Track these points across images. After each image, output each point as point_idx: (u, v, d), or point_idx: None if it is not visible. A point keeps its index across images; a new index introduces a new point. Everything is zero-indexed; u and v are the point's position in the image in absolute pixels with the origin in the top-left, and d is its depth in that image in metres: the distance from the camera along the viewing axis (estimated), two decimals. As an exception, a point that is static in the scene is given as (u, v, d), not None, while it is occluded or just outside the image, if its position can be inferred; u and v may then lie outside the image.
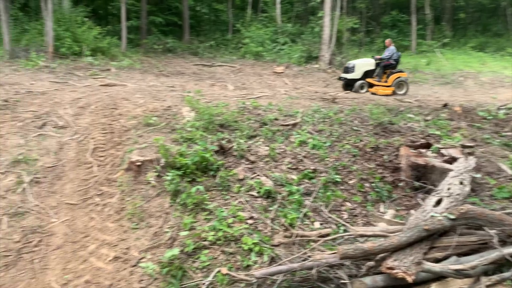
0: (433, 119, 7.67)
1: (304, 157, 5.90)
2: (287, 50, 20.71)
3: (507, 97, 11.33)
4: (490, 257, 3.30)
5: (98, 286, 3.57)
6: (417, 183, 5.26)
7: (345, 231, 4.26)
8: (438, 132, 6.78)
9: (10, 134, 5.87)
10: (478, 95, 12.98)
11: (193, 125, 6.05)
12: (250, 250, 4.10)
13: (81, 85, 9.44)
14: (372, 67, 12.33)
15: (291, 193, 5.01)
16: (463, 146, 6.07)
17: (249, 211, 4.68)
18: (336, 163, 5.74)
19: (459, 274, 3.15)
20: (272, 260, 3.97)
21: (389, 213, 4.70)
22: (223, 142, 5.72)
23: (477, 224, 3.57)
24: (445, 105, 9.02)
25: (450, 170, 4.88)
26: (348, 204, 5.07)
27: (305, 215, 4.71)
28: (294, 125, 6.87)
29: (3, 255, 3.91)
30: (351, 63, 12.57)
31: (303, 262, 3.58)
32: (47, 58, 13.03)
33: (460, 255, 3.44)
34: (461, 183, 4.39)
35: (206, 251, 4.02)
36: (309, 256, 3.71)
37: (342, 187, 5.33)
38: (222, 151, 5.57)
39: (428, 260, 3.29)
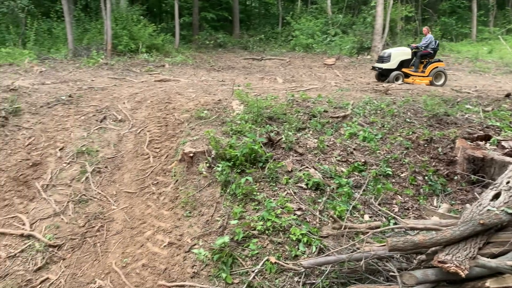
0: (493, 110, 7.24)
1: (354, 149, 5.83)
2: (338, 42, 20.33)
3: None
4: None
5: (154, 269, 3.79)
6: (474, 177, 5.03)
7: (395, 224, 4.20)
8: (498, 124, 6.41)
9: (74, 127, 6.32)
10: (547, 84, 12.04)
11: (242, 118, 6.17)
12: (299, 240, 4.14)
13: (137, 81, 9.91)
14: (409, 57, 11.75)
15: (340, 185, 4.99)
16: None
17: (298, 202, 4.72)
18: (388, 156, 5.62)
19: (518, 270, 3.01)
20: (320, 251, 4.00)
21: (443, 207, 4.54)
22: (272, 134, 5.79)
23: (540, 219, 3.36)
24: (508, 95, 8.48)
25: (511, 163, 4.61)
26: (399, 197, 4.96)
27: (354, 207, 4.68)
28: (344, 117, 6.78)
29: (69, 238, 4.26)
30: (386, 52, 12.04)
31: (352, 253, 3.57)
32: (106, 56, 13.77)
33: (519, 251, 3.28)
34: (522, 176, 4.14)
35: (255, 240, 4.12)
36: (357, 248, 3.70)
37: (393, 180, 5.22)
38: (271, 143, 5.64)
39: (483, 255, 3.16)
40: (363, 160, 5.49)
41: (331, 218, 4.30)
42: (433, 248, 3.28)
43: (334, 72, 14.73)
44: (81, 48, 14.69)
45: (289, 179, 5.06)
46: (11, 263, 3.91)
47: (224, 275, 3.73)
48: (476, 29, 23.60)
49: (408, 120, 6.66)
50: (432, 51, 11.77)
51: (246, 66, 16.14)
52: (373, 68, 12.43)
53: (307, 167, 5.35)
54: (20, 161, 5.40)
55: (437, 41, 12.10)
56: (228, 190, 4.72)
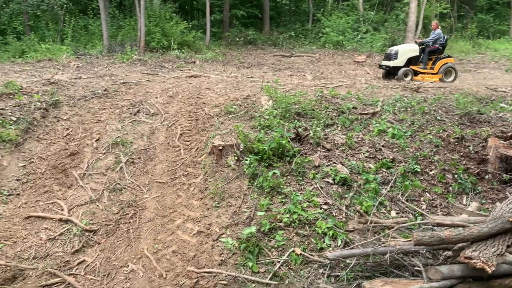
0: (530, 109, 7.03)
1: (383, 146, 5.81)
2: (369, 39, 20.06)
3: None
4: None
5: (183, 256, 3.94)
6: (506, 176, 4.93)
7: (422, 220, 4.18)
8: (534, 123, 6.23)
9: (110, 119, 6.58)
10: None
11: (271, 113, 6.25)
12: (324, 233, 4.20)
13: (169, 77, 10.16)
14: (417, 53, 11.33)
15: (367, 181, 5.01)
16: None
17: (324, 197, 4.77)
18: (417, 153, 5.57)
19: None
20: (346, 245, 4.04)
21: (473, 206, 4.48)
22: (300, 129, 5.85)
23: None
24: (546, 94, 8.19)
25: (546, 163, 4.50)
26: (427, 194, 4.93)
27: (381, 203, 4.69)
28: (374, 114, 6.75)
29: (104, 224, 4.48)
30: (393, 49, 11.62)
31: (377, 247, 3.60)
32: (140, 52, 14.15)
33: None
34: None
35: (281, 231, 4.21)
36: (383, 242, 3.72)
37: (421, 178, 5.19)
38: (298, 138, 5.70)
39: (512, 253, 3.14)
40: (391, 157, 5.47)
41: (357, 213, 4.34)
42: (460, 245, 3.28)
43: (364, 69, 14.58)
44: (116, 44, 15.13)
45: (316, 174, 5.11)
46: (51, 245, 4.17)
47: (250, 263, 3.83)
48: (516, 26, 22.73)
49: (439, 118, 6.56)
50: (440, 47, 11.39)
51: (276, 63, 16.20)
52: (380, 66, 12.02)
53: (334, 163, 5.38)
54: (59, 151, 5.69)
55: (446, 37, 11.68)
56: (255, 183, 4.82)
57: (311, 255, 3.96)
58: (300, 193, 4.75)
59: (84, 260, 4.00)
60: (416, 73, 11.24)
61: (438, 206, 4.73)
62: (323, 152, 5.61)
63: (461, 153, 5.53)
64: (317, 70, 14.10)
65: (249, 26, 23.39)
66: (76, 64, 11.65)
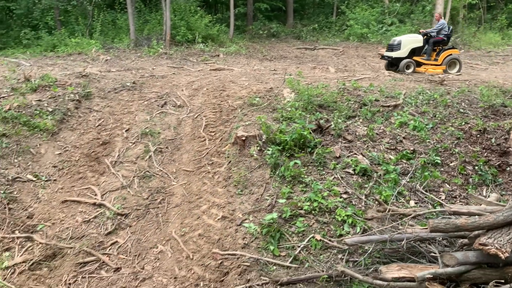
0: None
1: (404, 138, 5.88)
2: (394, 31, 19.79)
3: None
4: None
5: (208, 239, 4.17)
6: (528, 168, 4.95)
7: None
8: (560, 116, 6.17)
9: (138, 111, 6.88)
10: None
11: (293, 105, 6.40)
12: (344, 221, 4.36)
13: (194, 70, 10.42)
14: (420, 44, 11.03)
15: (387, 172, 5.11)
16: None
17: (344, 186, 4.91)
18: (438, 145, 5.63)
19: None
20: (364, 232, 4.18)
21: (492, 197, 4.54)
22: (321, 121, 5.98)
23: None
24: None
25: None
26: (447, 185, 5.00)
27: (400, 193, 4.80)
28: (396, 106, 6.81)
29: (135, 208, 4.76)
30: (396, 39, 11.32)
31: (393, 234, 3.74)
32: (165, 46, 14.47)
33: None
34: None
35: (302, 218, 4.38)
36: (400, 229, 3.85)
37: (441, 169, 5.25)
38: (320, 129, 5.84)
39: (527, 241, 3.21)
40: (412, 149, 5.55)
41: (376, 202, 4.47)
42: (476, 232, 3.37)
43: (388, 62, 14.46)
44: (142, 38, 15.51)
45: (337, 164, 5.25)
46: (86, 226, 4.48)
47: (272, 247, 4.03)
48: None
49: (462, 110, 6.57)
50: (445, 38, 11.11)
51: (299, 56, 16.25)
52: (382, 57, 11.77)
53: (355, 154, 5.51)
54: (91, 140, 6.02)
55: (451, 27, 11.37)
56: (277, 172, 5.00)
57: (330, 241, 4.13)
58: (321, 183, 4.91)
59: (116, 241, 4.29)
60: (419, 64, 11.01)
61: (457, 196, 4.81)
62: (344, 143, 5.74)
63: (483, 146, 5.56)
64: (341, 63, 14.09)
65: (272, 19, 23.44)
66: (105, 58, 12.05)
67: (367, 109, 6.54)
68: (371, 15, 21.27)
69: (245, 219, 4.38)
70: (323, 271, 3.80)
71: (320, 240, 4.15)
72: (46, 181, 5.20)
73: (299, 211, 4.48)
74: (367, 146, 5.67)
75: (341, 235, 4.21)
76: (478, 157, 5.34)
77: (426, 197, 4.72)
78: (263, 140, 5.47)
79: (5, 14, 18.71)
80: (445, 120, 6.27)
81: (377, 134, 5.92)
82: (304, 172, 5.04)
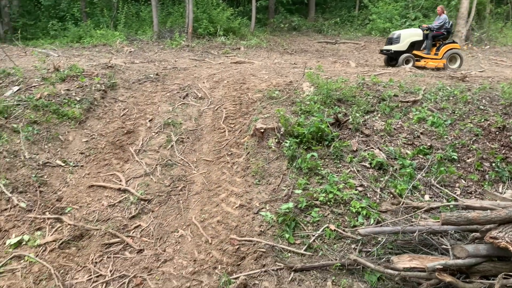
0: None
1: (421, 133, 5.93)
2: (418, 26, 19.53)
3: None
4: None
5: (226, 225, 4.35)
6: (546, 166, 4.95)
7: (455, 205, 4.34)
8: None
9: (161, 102, 7.10)
10: None
11: (312, 99, 6.50)
12: (358, 213, 4.47)
13: (215, 63, 10.60)
14: (420, 38, 10.95)
15: (403, 166, 5.19)
16: None
17: (360, 179, 5.02)
18: (455, 141, 5.66)
19: None
20: (378, 224, 4.29)
21: (508, 193, 4.56)
22: (339, 115, 6.07)
23: None
24: None
25: None
26: (463, 181, 5.04)
27: (415, 187, 4.88)
28: (415, 102, 6.83)
29: (157, 194, 4.97)
30: (395, 33, 11.24)
31: (406, 225, 3.84)
32: (187, 38, 14.69)
33: None
34: None
35: (317, 209, 4.51)
36: (412, 221, 3.95)
37: (458, 165, 5.29)
38: (338, 123, 5.93)
39: (539, 237, 3.27)
40: (429, 144, 5.60)
41: (390, 194, 4.56)
42: (487, 226, 3.45)
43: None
44: (165, 30, 15.78)
45: (354, 157, 5.35)
46: (111, 210, 4.71)
47: (287, 235, 4.18)
48: None
49: (482, 107, 6.54)
50: (445, 32, 10.95)
51: (320, 50, 16.26)
52: (381, 51, 11.65)
53: (372, 148, 5.59)
54: (116, 129, 6.27)
55: (451, 22, 11.21)
56: (294, 164, 5.13)
57: (344, 231, 4.25)
58: (337, 175, 5.03)
59: (139, 225, 4.52)
60: (418, 58, 10.90)
61: (473, 192, 4.85)
62: (362, 137, 5.82)
63: (501, 143, 5.56)
64: (362, 58, 14.06)
65: (294, 12, 23.39)
66: (129, 50, 12.35)
67: (386, 104, 6.58)
68: (394, 9, 20.99)
69: (262, 208, 4.54)
70: (336, 259, 3.93)
71: (334, 230, 4.28)
72: (74, 166, 5.47)
73: (314, 202, 4.61)
74: (384, 141, 5.74)
75: (355, 226, 4.33)
76: (495, 154, 5.35)
77: (441, 192, 4.78)
78: (281, 132, 5.61)
79: (34, 6, 19.26)
80: (464, 116, 6.27)
81: (394, 129, 5.98)
82: (321, 164, 5.16)
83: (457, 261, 3.35)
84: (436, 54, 11.00)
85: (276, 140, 5.54)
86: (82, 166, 5.54)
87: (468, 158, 5.36)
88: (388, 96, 6.83)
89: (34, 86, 6.69)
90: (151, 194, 4.98)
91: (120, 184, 5.12)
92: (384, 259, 3.83)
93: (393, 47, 10.97)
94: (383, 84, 7.42)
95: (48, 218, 4.47)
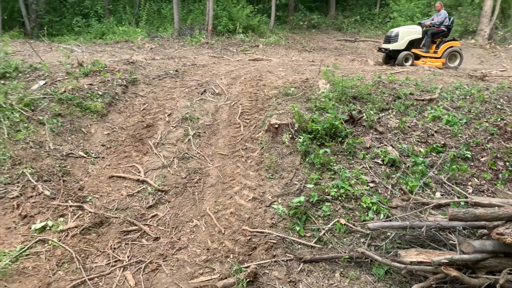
0: None
1: (436, 132, 5.94)
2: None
3: None
4: None
5: (239, 217, 4.50)
6: (561, 166, 4.92)
7: (466, 203, 4.38)
8: None
9: (180, 97, 7.29)
10: None
11: (327, 96, 6.58)
12: (368, 208, 4.56)
13: (233, 60, 10.75)
14: (419, 36, 10.61)
15: (416, 163, 5.23)
16: None
17: (372, 176, 5.09)
18: (469, 140, 5.66)
19: None
20: (388, 219, 4.37)
21: (520, 192, 4.57)
22: (354, 112, 6.14)
23: None
24: None
25: None
26: (475, 180, 5.06)
27: (427, 185, 4.92)
28: (430, 100, 6.83)
29: (174, 186, 5.16)
30: (393, 31, 10.89)
31: (413, 220, 3.91)
32: (207, 35, 14.88)
33: None
34: None
35: (328, 203, 4.61)
36: (421, 217, 4.01)
37: (471, 164, 5.30)
38: (352, 120, 6.00)
39: (546, 234, 3.30)
40: (442, 142, 5.61)
41: (400, 190, 4.62)
42: (495, 223, 3.49)
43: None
44: (185, 27, 16.01)
45: (366, 154, 5.42)
46: (130, 200, 4.92)
47: (298, 228, 4.30)
48: None
49: (499, 106, 6.50)
50: (445, 29, 10.64)
51: (338, 48, 16.22)
52: (380, 49, 11.36)
53: (385, 145, 5.65)
54: (136, 123, 6.49)
55: (452, 18, 10.85)
56: (307, 159, 5.24)
57: (354, 225, 4.34)
58: (349, 171, 5.11)
59: (156, 214, 4.71)
60: (417, 57, 10.67)
61: (485, 191, 4.87)
62: (375, 134, 5.88)
63: (517, 142, 5.54)
64: (381, 56, 13.96)
65: (314, 10, 23.36)
66: (150, 46, 12.61)
67: (401, 102, 6.61)
68: (416, 7, 20.75)
69: (274, 201, 4.67)
70: (345, 252, 4.03)
71: (345, 224, 4.37)
72: (95, 158, 5.71)
73: (326, 197, 4.71)
74: (398, 138, 5.79)
75: (365, 221, 4.41)
76: (510, 153, 5.33)
77: (452, 189, 4.82)
78: (295, 128, 5.72)
79: (59, 3, 19.81)
80: (480, 115, 6.25)
81: (408, 127, 6.01)
82: (334, 160, 5.25)
83: (463, 256, 3.40)
84: (435, 52, 10.76)
85: (290, 135, 5.65)
86: (103, 157, 5.77)
87: (482, 157, 5.37)
88: (403, 94, 6.86)
89: (59, 80, 6.97)
90: (168, 185, 5.17)
91: (139, 175, 5.32)
92: (392, 253, 3.91)
93: (391, 46, 10.70)
94: (399, 82, 7.44)
95: (71, 206, 4.70)
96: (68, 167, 5.38)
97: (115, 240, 4.28)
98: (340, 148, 5.48)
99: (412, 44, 10.69)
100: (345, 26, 21.00)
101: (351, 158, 5.37)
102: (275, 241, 4.16)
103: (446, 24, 10.75)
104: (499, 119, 6.07)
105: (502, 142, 5.61)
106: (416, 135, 5.83)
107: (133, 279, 3.76)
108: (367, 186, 4.89)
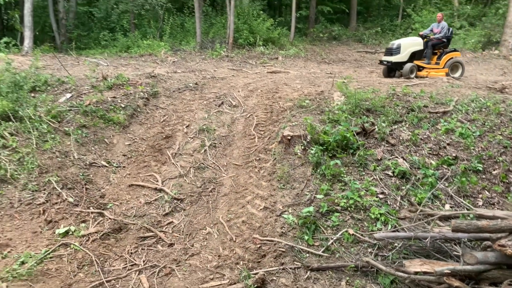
0: None
1: (448, 144, 5.98)
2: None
3: None
4: None
5: (250, 225, 4.67)
6: None
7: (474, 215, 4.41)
8: None
9: (198, 109, 7.57)
10: None
11: (340, 108, 6.71)
12: (377, 219, 4.65)
13: (252, 72, 11.02)
14: (420, 47, 10.55)
15: (426, 176, 5.29)
16: None
17: (382, 187, 5.18)
18: (482, 153, 5.67)
19: None
20: (394, 229, 4.45)
21: (530, 205, 4.58)
22: (366, 125, 6.25)
23: None
24: None
25: None
26: (486, 192, 5.08)
27: (436, 197, 4.98)
28: (445, 113, 6.86)
29: (189, 195, 5.39)
30: (394, 43, 10.79)
31: (418, 231, 3.99)
32: (228, 49, 15.25)
33: None
34: None
35: (337, 214, 4.73)
36: (427, 228, 4.08)
37: (483, 176, 5.32)
38: (364, 132, 6.11)
39: (549, 247, 3.33)
40: (454, 155, 5.65)
41: (408, 202, 4.70)
42: (499, 235, 3.54)
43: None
44: (207, 41, 16.44)
45: (377, 166, 5.51)
46: (147, 207, 5.18)
47: (306, 237, 4.44)
48: None
49: (515, 119, 6.48)
50: (445, 40, 10.59)
51: (358, 59, 16.31)
52: (381, 62, 11.26)
53: (396, 157, 5.73)
54: (156, 134, 6.79)
55: (451, 29, 10.77)
56: (318, 170, 5.38)
57: (362, 235, 4.44)
58: (359, 182, 5.21)
59: (172, 221, 4.94)
60: (420, 68, 10.62)
61: (495, 204, 4.88)
62: (387, 146, 5.97)
63: (531, 155, 5.52)
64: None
65: (334, 21, 23.51)
66: (172, 59, 13.05)
67: (414, 115, 6.67)
68: (438, 18, 20.62)
69: (285, 211, 4.82)
70: (352, 262, 4.14)
71: (353, 234, 4.48)
72: (117, 167, 6.01)
73: (335, 207, 4.83)
74: (409, 151, 5.85)
75: (372, 231, 4.50)
76: (523, 166, 5.33)
77: (462, 202, 4.85)
78: (308, 140, 5.87)
79: (88, 18, 20.67)
80: (494, 128, 6.25)
81: (421, 139, 6.07)
82: (344, 172, 5.36)
83: (466, 267, 3.47)
84: (437, 63, 10.75)
85: (302, 147, 5.81)
86: (124, 167, 6.06)
87: (493, 170, 5.38)
88: (417, 107, 6.91)
89: (85, 93, 7.36)
90: (183, 194, 5.40)
91: (156, 184, 5.58)
92: (397, 263, 4.00)
93: (393, 58, 10.62)
94: (413, 95, 7.50)
95: (92, 212, 4.98)
96: (91, 175, 5.69)
97: (132, 245, 4.52)
98: (351, 160, 5.60)
99: (414, 56, 10.69)
100: (366, 38, 21.06)
101: (362, 169, 5.48)
102: (284, 250, 4.31)
103: (447, 35, 10.80)
104: (513, 132, 6.06)
105: (516, 155, 5.60)
106: (428, 148, 5.89)
107: (148, 282, 3.97)
108: (376, 197, 4.98)
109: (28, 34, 13.99)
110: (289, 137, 5.87)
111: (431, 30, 11.13)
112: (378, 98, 7.16)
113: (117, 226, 4.76)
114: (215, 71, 10.96)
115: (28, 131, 5.89)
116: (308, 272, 4.05)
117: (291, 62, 14.01)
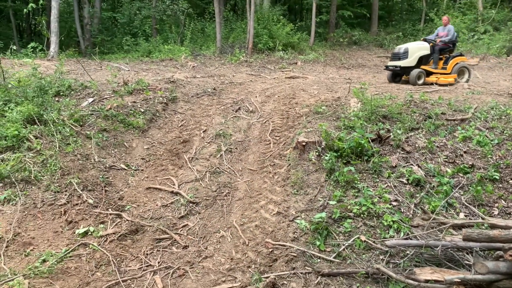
0: None
1: (465, 152, 5.92)
2: (487, 40, 18.73)
3: None
4: None
5: (263, 230, 4.75)
6: None
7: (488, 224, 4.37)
8: None
9: (215, 114, 7.71)
10: None
11: (356, 114, 6.73)
12: (390, 226, 4.65)
13: (270, 77, 11.12)
14: (427, 52, 10.26)
15: (440, 184, 5.25)
16: None
17: (396, 194, 5.17)
18: (500, 161, 5.60)
19: None
20: (406, 237, 4.45)
21: (547, 216, 4.50)
22: (382, 131, 6.24)
23: None
24: None
25: None
26: (502, 202, 5.01)
27: (451, 205, 4.94)
28: (463, 120, 6.79)
29: (204, 198, 5.51)
30: (402, 47, 10.48)
31: (429, 239, 3.98)
32: (247, 53, 15.41)
33: None
34: None
35: (350, 220, 4.76)
36: (438, 236, 4.07)
37: (500, 185, 5.25)
38: (379, 139, 6.11)
39: None
40: (470, 163, 5.59)
41: (421, 209, 4.69)
42: (511, 245, 3.52)
43: (474, 73, 13.84)
44: (227, 46, 16.65)
45: (392, 173, 5.51)
46: (164, 210, 5.32)
47: (318, 243, 4.48)
48: None
49: (536, 127, 6.36)
50: (451, 44, 10.35)
51: (378, 64, 16.21)
52: (387, 67, 10.95)
53: (411, 164, 5.71)
54: (174, 138, 6.95)
55: (456, 34, 10.50)
56: (332, 177, 5.41)
57: (374, 242, 4.46)
58: (373, 189, 5.22)
59: (187, 224, 5.06)
60: (428, 73, 10.39)
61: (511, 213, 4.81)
62: (402, 154, 5.95)
63: (550, 165, 5.41)
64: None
65: (355, 26, 23.42)
66: (192, 64, 13.27)
67: (431, 122, 6.62)
68: (462, 22, 20.35)
69: (298, 216, 4.88)
70: (363, 268, 4.16)
71: (365, 241, 4.50)
72: (135, 170, 6.19)
73: (348, 214, 4.86)
74: (425, 158, 5.82)
75: (385, 238, 4.51)
76: (541, 175, 5.24)
77: (475, 211, 4.80)
78: (322, 146, 5.91)
79: (111, 23, 21.22)
80: (514, 136, 6.15)
81: (437, 147, 6.03)
82: (358, 178, 5.38)
83: (476, 277, 3.45)
84: (444, 68, 10.54)
85: (317, 153, 5.85)
86: (142, 170, 6.24)
87: (511, 179, 5.30)
88: (434, 114, 6.86)
89: (106, 98, 7.60)
90: (199, 197, 5.53)
91: (173, 188, 5.72)
92: (408, 271, 4.00)
93: (401, 63, 10.35)
94: (431, 102, 7.44)
95: (110, 214, 5.15)
96: (110, 178, 5.87)
97: (148, 247, 4.66)
98: (365, 167, 5.61)
99: (421, 60, 10.47)
100: (387, 43, 20.90)
101: (376, 176, 5.48)
102: (295, 254, 4.36)
103: (453, 39, 10.61)
104: (533, 141, 5.95)
105: (535, 164, 5.50)
106: (444, 155, 5.84)
107: (162, 283, 4.09)
108: (390, 204, 4.98)
109: (54, 39, 14.49)
110: (304, 143, 5.93)
111: (437, 35, 10.92)
112: (395, 105, 7.14)
113: (134, 228, 4.91)
114: (233, 76, 11.11)
115: (51, 134, 6.12)
116: (319, 278, 4.10)
117: (310, 67, 14.04)
